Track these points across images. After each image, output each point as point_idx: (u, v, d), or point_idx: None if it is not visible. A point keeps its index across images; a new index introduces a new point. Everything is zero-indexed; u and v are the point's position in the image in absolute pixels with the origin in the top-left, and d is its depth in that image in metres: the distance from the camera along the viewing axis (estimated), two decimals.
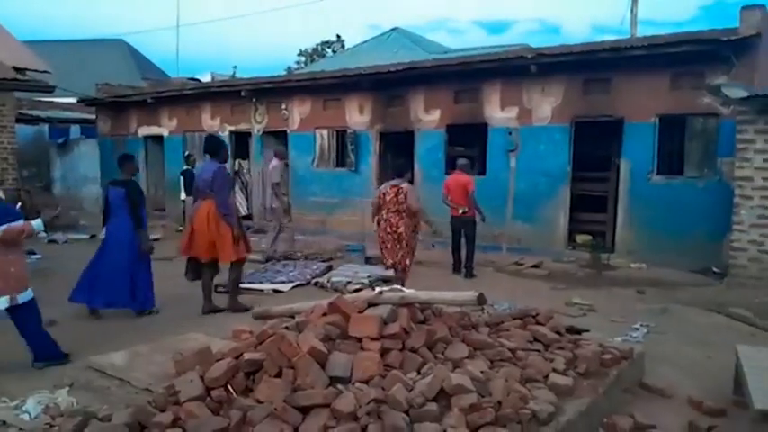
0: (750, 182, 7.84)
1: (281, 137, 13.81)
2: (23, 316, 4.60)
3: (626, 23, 17.85)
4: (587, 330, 5.00)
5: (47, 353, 4.66)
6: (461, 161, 9.26)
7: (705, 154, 9.01)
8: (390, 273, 8.31)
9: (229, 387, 3.32)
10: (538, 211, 10.28)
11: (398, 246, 7.05)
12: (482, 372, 3.43)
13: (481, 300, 3.73)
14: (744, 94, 7.79)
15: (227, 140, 14.63)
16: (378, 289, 4.25)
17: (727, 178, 8.47)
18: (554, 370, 3.73)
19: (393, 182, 7.15)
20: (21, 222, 4.56)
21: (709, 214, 8.64)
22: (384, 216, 7.09)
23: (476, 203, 8.83)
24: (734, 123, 8.08)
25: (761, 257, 7.77)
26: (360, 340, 3.54)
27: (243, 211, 14.91)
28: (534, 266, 9.47)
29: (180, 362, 3.65)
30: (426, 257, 10.21)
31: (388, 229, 7.05)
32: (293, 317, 4.51)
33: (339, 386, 3.17)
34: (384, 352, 3.46)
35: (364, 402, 2.98)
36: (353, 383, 3.20)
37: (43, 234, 4.97)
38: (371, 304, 3.94)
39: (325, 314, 3.82)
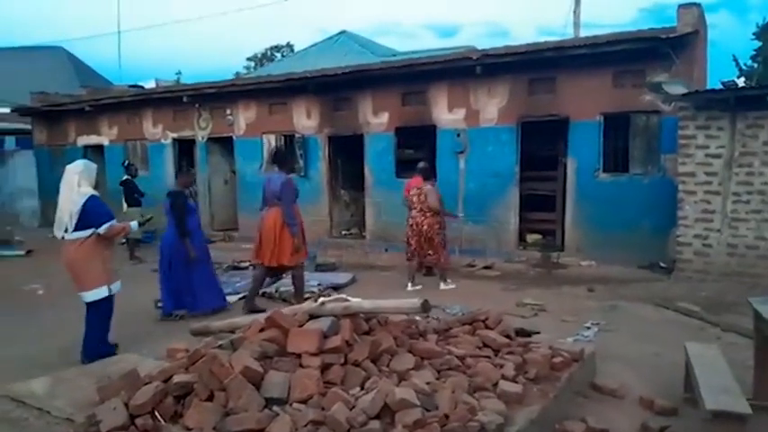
0: (693, 177, 7.97)
1: (226, 143, 13.45)
2: (106, 306, 5.07)
3: (569, 26, 18.08)
4: (537, 332, 4.91)
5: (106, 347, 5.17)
6: (422, 164, 9.14)
7: (649, 151, 9.14)
8: (344, 280, 8.34)
9: (156, 413, 3.06)
10: (488, 212, 10.25)
11: (424, 242, 7.91)
12: (429, 383, 3.27)
13: (425, 307, 3.56)
14: (684, 90, 7.93)
15: (171, 148, 14.23)
16: (321, 299, 4.05)
17: (670, 174, 8.61)
18: (503, 377, 3.59)
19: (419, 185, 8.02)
20: (115, 221, 5.12)
21: (655, 210, 8.76)
22: (411, 215, 8.00)
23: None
24: (675, 120, 8.21)
25: (705, 251, 7.91)
26: (299, 356, 3.33)
27: None
28: (486, 268, 9.43)
29: (103, 388, 3.36)
30: (382, 262, 10.12)
31: (414, 228, 7.95)
32: (234, 332, 4.26)
33: (275, 408, 2.96)
34: (325, 368, 3.26)
35: (301, 425, 2.78)
36: (291, 404, 2.99)
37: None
38: (313, 316, 3.74)
39: (262, 330, 3.60)
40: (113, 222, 5.07)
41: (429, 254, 7.99)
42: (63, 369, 4.33)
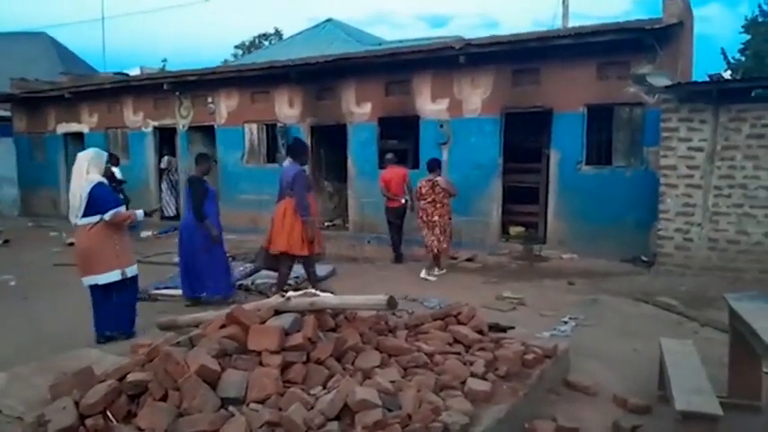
0: (674, 170, 7.90)
1: (208, 132, 13.24)
2: (126, 288, 5.31)
3: (559, 17, 17.95)
4: (512, 327, 4.82)
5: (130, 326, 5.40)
6: (389, 155, 9.66)
7: (632, 143, 9.05)
8: (323, 272, 8.27)
9: (108, 414, 2.94)
10: (471, 204, 10.12)
11: (434, 231, 8.16)
12: (394, 382, 3.17)
13: (391, 303, 3.45)
14: (667, 82, 7.84)
15: (151, 137, 14.01)
16: (288, 294, 3.93)
17: (653, 167, 8.53)
18: (472, 374, 3.51)
19: (428, 177, 8.27)
20: (123, 209, 5.33)
21: (637, 203, 8.69)
22: (421, 206, 8.24)
23: (411, 192, 9.02)
24: (659, 112, 8.12)
25: (686, 245, 7.85)
26: (259, 354, 3.21)
27: (171, 211, 14.26)
28: (468, 260, 9.35)
29: (56, 386, 3.23)
30: (365, 253, 10.00)
31: (425, 218, 8.21)
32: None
33: (231, 408, 2.84)
34: (286, 366, 3.15)
35: (257, 426, 2.67)
36: (248, 404, 2.88)
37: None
38: (278, 312, 3.62)
39: (223, 326, 3.47)
40: (119, 209, 5.21)
41: (437, 241, 8.17)
42: (21, 365, 4.19)
